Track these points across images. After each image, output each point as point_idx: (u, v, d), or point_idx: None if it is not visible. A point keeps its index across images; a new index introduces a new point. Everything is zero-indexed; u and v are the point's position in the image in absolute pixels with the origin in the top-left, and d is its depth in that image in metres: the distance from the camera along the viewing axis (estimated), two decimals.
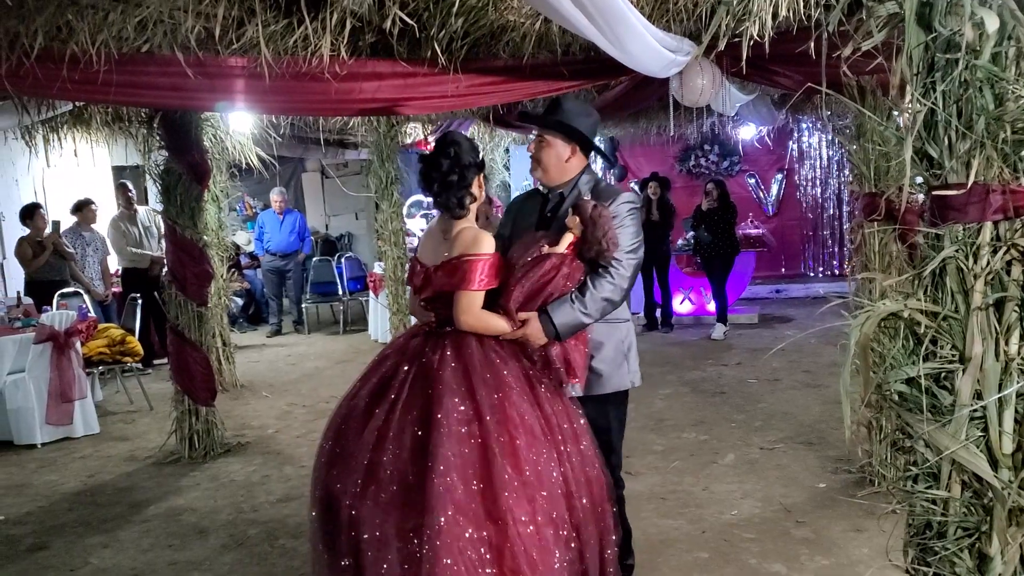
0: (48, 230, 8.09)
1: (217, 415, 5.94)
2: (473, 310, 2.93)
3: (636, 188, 12.35)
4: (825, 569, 3.66)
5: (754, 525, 4.16)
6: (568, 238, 2.99)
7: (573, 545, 2.76)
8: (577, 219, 2.97)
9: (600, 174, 13.48)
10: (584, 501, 2.83)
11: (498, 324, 2.95)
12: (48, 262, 8.02)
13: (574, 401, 3.03)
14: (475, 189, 3.04)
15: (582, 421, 2.97)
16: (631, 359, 3.25)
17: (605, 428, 3.22)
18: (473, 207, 3.07)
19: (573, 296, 2.94)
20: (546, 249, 2.99)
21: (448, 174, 2.98)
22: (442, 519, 2.53)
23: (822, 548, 3.86)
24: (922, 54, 1.74)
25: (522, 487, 2.67)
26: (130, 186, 9.14)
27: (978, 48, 1.64)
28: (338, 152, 11.86)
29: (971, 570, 1.77)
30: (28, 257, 7.98)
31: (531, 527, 2.64)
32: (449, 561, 2.50)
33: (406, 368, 2.93)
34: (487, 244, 2.97)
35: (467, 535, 2.56)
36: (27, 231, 8.06)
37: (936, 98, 1.71)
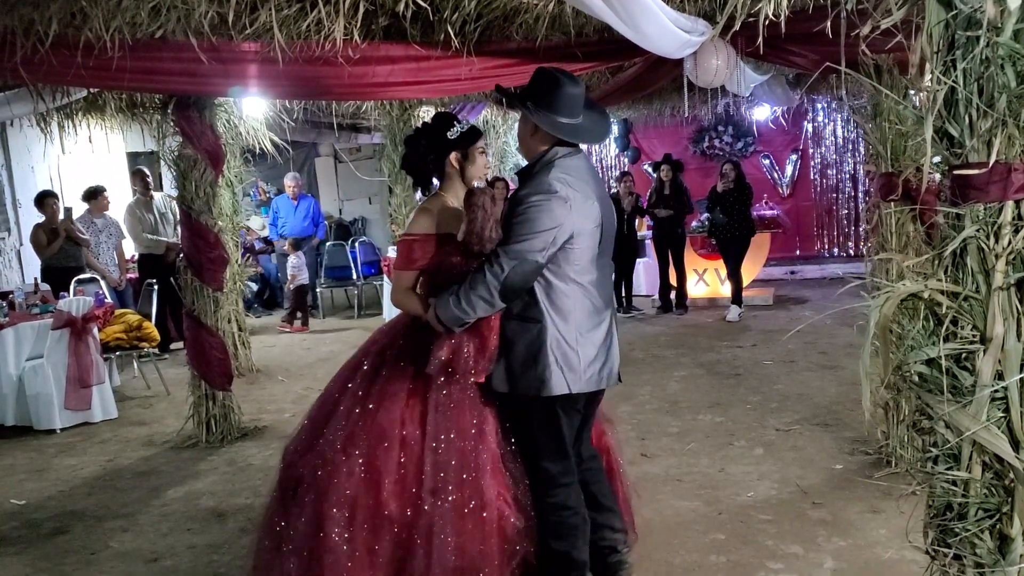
0: (61, 217, 8.13)
1: (234, 399, 5.98)
2: (397, 287, 3.16)
3: (649, 170, 12.34)
4: (842, 551, 3.65)
5: (771, 507, 4.16)
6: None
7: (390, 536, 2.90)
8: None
9: (615, 158, 13.55)
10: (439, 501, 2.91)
11: (414, 306, 3.08)
12: (62, 249, 8.07)
13: (485, 397, 3.05)
14: (451, 167, 3.14)
15: (487, 426, 3.03)
16: (541, 365, 2.89)
17: (524, 432, 3.07)
18: (450, 187, 3.17)
19: (456, 288, 2.86)
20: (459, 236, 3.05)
21: (403, 159, 3.27)
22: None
23: (839, 530, 3.85)
24: (942, 32, 1.72)
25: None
26: (147, 172, 9.16)
27: (1000, 25, 1.61)
28: (351, 136, 11.86)
29: (992, 551, 1.77)
30: (42, 244, 8.03)
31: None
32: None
33: None
34: (417, 224, 3.11)
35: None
36: (43, 218, 8.10)
37: (957, 76, 1.69)
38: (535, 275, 2.84)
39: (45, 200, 8.10)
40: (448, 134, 3.10)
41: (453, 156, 3.12)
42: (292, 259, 10.30)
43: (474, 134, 3.16)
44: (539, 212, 2.78)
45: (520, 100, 2.97)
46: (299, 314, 10.35)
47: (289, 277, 10.31)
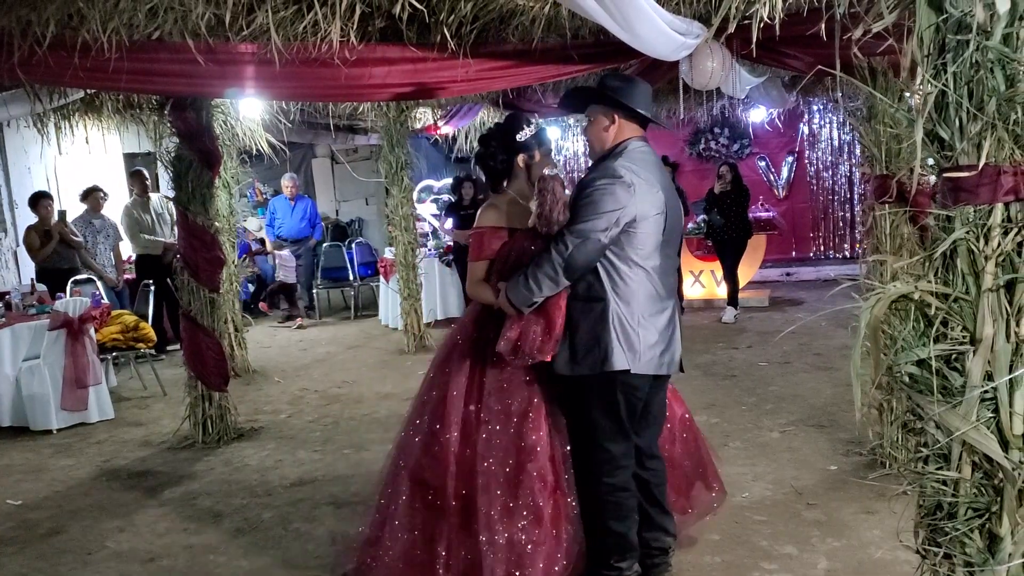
0: (55, 219, 8.11)
1: (230, 400, 5.98)
2: (471, 278, 3.33)
3: None
4: (836, 551, 3.67)
5: (765, 507, 4.18)
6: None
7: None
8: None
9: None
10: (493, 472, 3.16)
11: (487, 295, 3.25)
12: (56, 251, 8.05)
13: (526, 378, 3.22)
14: (518, 167, 3.32)
15: (524, 409, 3.21)
16: (604, 341, 3.03)
17: (584, 414, 3.18)
18: (514, 184, 3.35)
19: (524, 269, 3.03)
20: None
21: (476, 156, 3.47)
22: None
23: (833, 530, 3.87)
24: (933, 35, 1.73)
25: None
26: (145, 173, 9.14)
27: (989, 29, 1.63)
28: (348, 137, 11.86)
29: (981, 550, 1.78)
30: (35, 246, 8.00)
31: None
32: None
33: None
34: (485, 218, 3.30)
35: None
36: (36, 219, 8.09)
37: (947, 80, 1.71)
38: (598, 255, 2.99)
39: (39, 201, 8.06)
40: (517, 136, 3.28)
41: (521, 157, 3.30)
42: (285, 252, 10.47)
43: (542, 137, 3.35)
44: (603, 195, 2.96)
45: (598, 99, 3.16)
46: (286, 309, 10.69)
47: (278, 265, 10.49)
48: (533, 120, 3.41)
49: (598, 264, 3.02)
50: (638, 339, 3.05)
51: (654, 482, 3.37)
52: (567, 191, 3.14)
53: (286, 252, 10.51)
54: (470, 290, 3.36)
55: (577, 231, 2.94)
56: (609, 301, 3.04)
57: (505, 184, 3.38)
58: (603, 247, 2.98)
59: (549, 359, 3.10)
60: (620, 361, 3.03)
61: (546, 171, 3.22)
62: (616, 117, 3.12)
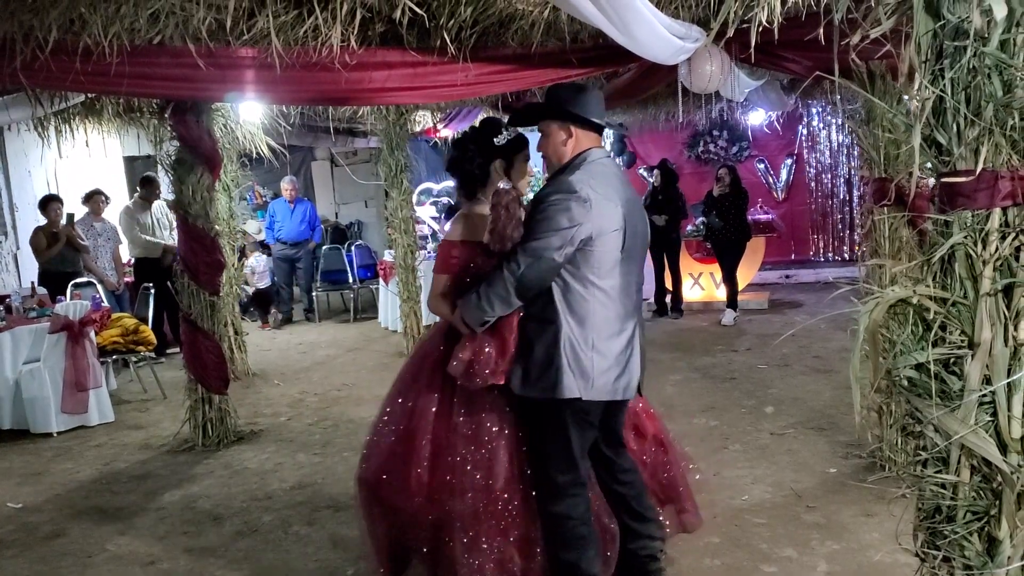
0: (63, 222, 8.14)
1: (230, 403, 5.99)
2: (432, 291, 3.22)
3: (645, 174, 12.36)
4: (836, 554, 3.68)
5: (765, 510, 4.18)
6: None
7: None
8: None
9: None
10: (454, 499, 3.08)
11: (445, 311, 3.15)
12: (60, 253, 8.07)
13: (494, 398, 3.11)
14: (495, 173, 3.20)
15: (494, 429, 3.13)
16: (555, 366, 2.88)
17: (534, 438, 3.08)
18: (491, 191, 3.18)
19: (477, 288, 2.92)
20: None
21: (449, 161, 3.35)
22: None
23: (833, 533, 3.87)
24: (930, 41, 1.74)
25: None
26: (158, 181, 9.09)
27: (986, 35, 1.64)
28: (347, 140, 11.87)
29: (980, 553, 1.79)
30: (42, 247, 8.05)
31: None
32: None
33: None
34: (454, 231, 3.19)
35: None
36: (44, 221, 8.12)
37: (944, 85, 1.72)
38: (552, 274, 2.85)
39: (49, 204, 8.13)
40: (495, 140, 3.16)
41: (498, 162, 3.18)
42: (251, 260, 10.54)
43: (520, 142, 3.22)
44: (557, 211, 2.80)
45: (552, 112, 3.02)
46: (267, 311, 10.89)
47: (248, 274, 10.56)
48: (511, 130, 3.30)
49: (553, 284, 2.88)
50: (591, 365, 2.89)
51: (631, 495, 3.25)
52: (522, 206, 3.03)
53: (251, 260, 10.63)
54: (430, 304, 3.25)
55: (530, 249, 2.80)
56: (561, 324, 2.88)
57: (480, 191, 3.25)
58: (557, 266, 2.83)
59: (503, 382, 2.99)
60: (571, 388, 2.88)
61: (501, 184, 3.12)
62: (572, 129, 2.98)
